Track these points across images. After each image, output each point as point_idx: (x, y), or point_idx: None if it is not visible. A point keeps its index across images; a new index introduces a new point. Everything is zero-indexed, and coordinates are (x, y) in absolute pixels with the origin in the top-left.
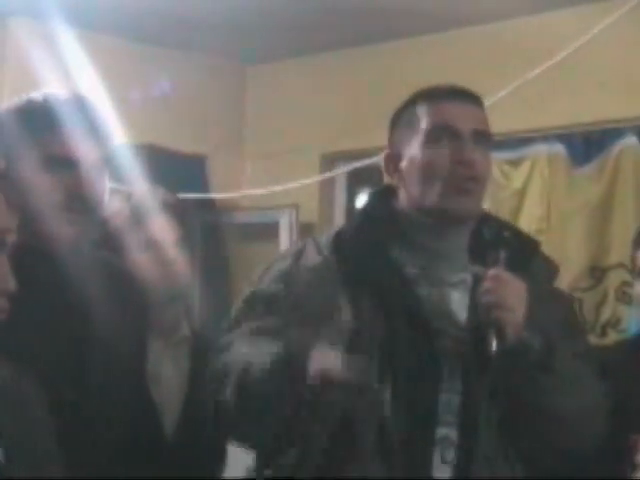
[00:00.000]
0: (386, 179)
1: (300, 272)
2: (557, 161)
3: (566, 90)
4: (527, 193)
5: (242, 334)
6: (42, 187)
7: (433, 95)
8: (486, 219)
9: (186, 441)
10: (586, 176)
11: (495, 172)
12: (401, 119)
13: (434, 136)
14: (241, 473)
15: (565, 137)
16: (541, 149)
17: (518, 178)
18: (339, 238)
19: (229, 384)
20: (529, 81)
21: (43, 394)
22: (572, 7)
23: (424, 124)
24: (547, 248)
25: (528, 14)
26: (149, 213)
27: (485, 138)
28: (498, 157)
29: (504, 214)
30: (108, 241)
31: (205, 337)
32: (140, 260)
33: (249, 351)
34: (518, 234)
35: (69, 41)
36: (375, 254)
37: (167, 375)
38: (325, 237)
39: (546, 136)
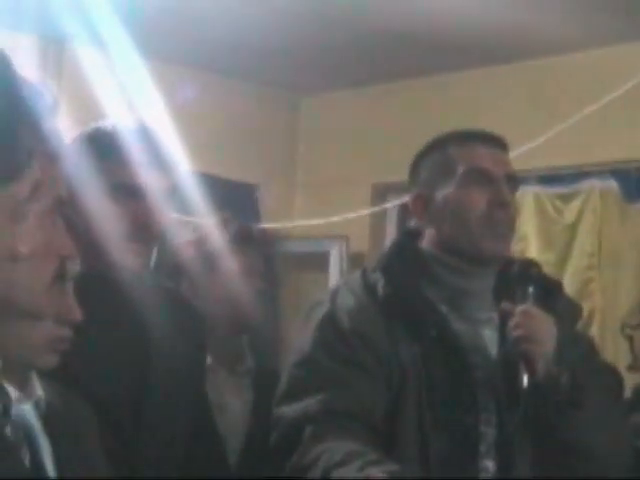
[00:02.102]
0: (413, 220)
1: (339, 314)
2: (610, 196)
3: (621, 125)
4: (579, 228)
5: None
6: (108, 216)
7: (465, 139)
8: (510, 260)
9: (250, 469)
10: (639, 212)
11: (547, 206)
12: (429, 161)
13: (471, 178)
14: None
15: (618, 172)
16: (594, 184)
17: (570, 213)
18: (367, 279)
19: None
20: (584, 116)
21: (97, 423)
22: (628, 42)
23: (460, 167)
24: (598, 284)
25: (584, 49)
26: (220, 245)
27: (514, 183)
28: (550, 191)
29: (555, 249)
30: (178, 272)
31: (269, 369)
32: (208, 292)
33: (334, 461)
34: (543, 274)
35: (126, 68)
36: (409, 292)
37: (231, 405)
38: (352, 279)
39: (599, 171)
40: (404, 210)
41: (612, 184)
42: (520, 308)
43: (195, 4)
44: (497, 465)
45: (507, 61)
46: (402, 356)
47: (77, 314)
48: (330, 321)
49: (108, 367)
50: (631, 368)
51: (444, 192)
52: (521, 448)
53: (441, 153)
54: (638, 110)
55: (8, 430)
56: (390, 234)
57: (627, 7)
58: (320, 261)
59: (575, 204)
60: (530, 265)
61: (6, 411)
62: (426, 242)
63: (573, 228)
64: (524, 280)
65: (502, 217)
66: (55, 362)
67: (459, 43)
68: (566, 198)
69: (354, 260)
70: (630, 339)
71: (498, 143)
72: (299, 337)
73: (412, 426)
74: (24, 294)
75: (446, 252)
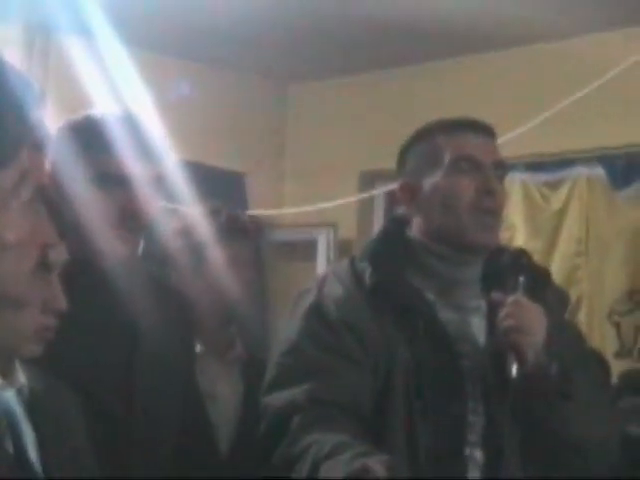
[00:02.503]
0: (400, 208)
1: (326, 303)
2: (597, 184)
3: (608, 112)
4: (566, 215)
5: (309, 415)
6: (95, 204)
7: (452, 127)
8: (498, 248)
9: (241, 458)
10: (626, 199)
11: (534, 194)
12: (417, 150)
13: (458, 167)
14: None
15: (606, 160)
16: (581, 171)
17: (557, 200)
18: (355, 267)
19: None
20: (570, 103)
21: (82, 412)
22: (616, 29)
23: (447, 155)
24: (586, 271)
25: (570, 37)
26: (208, 234)
27: (502, 170)
28: (537, 179)
29: (543, 236)
30: (166, 261)
31: (258, 358)
32: (198, 282)
33: (323, 453)
34: (533, 263)
35: (112, 57)
36: (396, 281)
37: (222, 394)
38: (340, 266)
39: (586, 158)
40: (391, 198)
41: (599, 171)
42: (511, 298)
43: None
44: (485, 454)
45: (494, 49)
46: (390, 345)
47: (62, 303)
48: (317, 310)
49: (95, 355)
50: (618, 355)
51: (432, 180)
52: (510, 437)
53: (428, 142)
54: (625, 97)
55: None
56: (378, 221)
57: None
58: (308, 249)
59: (562, 191)
60: (521, 254)
61: None
62: (414, 230)
63: (560, 215)
64: (515, 270)
65: (490, 205)
66: (39, 351)
67: (447, 31)
68: (553, 185)
69: (342, 248)
70: (617, 326)
71: (486, 131)
72: (287, 326)
73: (400, 415)
74: (7, 282)
75: (434, 240)
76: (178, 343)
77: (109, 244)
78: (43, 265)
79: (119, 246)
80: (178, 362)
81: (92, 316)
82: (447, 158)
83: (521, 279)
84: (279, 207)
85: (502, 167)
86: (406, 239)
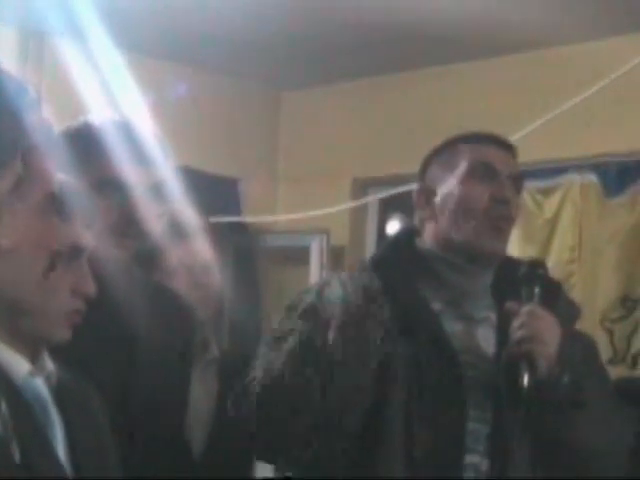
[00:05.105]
0: (416, 214)
1: (323, 305)
2: (589, 190)
3: (601, 120)
4: (559, 222)
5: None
6: (95, 210)
7: (475, 138)
8: (508, 260)
9: (214, 461)
10: (619, 206)
11: (527, 201)
12: (438, 159)
13: (473, 172)
14: None
15: (598, 167)
16: (574, 178)
17: (550, 207)
18: (362, 274)
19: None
20: (564, 110)
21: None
22: (608, 38)
23: (464, 161)
24: (578, 278)
25: (563, 44)
26: (183, 232)
27: (518, 185)
28: (530, 186)
29: (536, 242)
30: (153, 262)
31: (234, 359)
32: (172, 280)
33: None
34: (548, 274)
35: (106, 61)
36: (401, 290)
37: (196, 396)
38: (347, 273)
39: (579, 165)
40: (384, 204)
41: (592, 178)
42: (525, 308)
43: None
44: (491, 463)
45: (490, 55)
46: (389, 353)
47: (91, 287)
48: (313, 311)
49: (92, 362)
50: (611, 362)
51: (447, 185)
52: (520, 447)
53: (448, 151)
54: (618, 105)
55: None
56: (370, 228)
57: (610, 1)
58: (301, 255)
59: (555, 198)
60: (537, 265)
61: None
62: (426, 237)
63: (553, 222)
64: (530, 280)
65: (503, 213)
66: (68, 335)
67: (442, 37)
68: (546, 192)
69: (334, 254)
70: (610, 332)
71: (507, 147)
72: (280, 322)
73: (398, 420)
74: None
75: (446, 248)
76: (176, 349)
77: (108, 250)
78: (74, 249)
79: (117, 252)
80: (175, 369)
81: (89, 323)
82: (464, 164)
83: (536, 289)
84: (272, 213)
85: (519, 180)
86: (416, 249)
